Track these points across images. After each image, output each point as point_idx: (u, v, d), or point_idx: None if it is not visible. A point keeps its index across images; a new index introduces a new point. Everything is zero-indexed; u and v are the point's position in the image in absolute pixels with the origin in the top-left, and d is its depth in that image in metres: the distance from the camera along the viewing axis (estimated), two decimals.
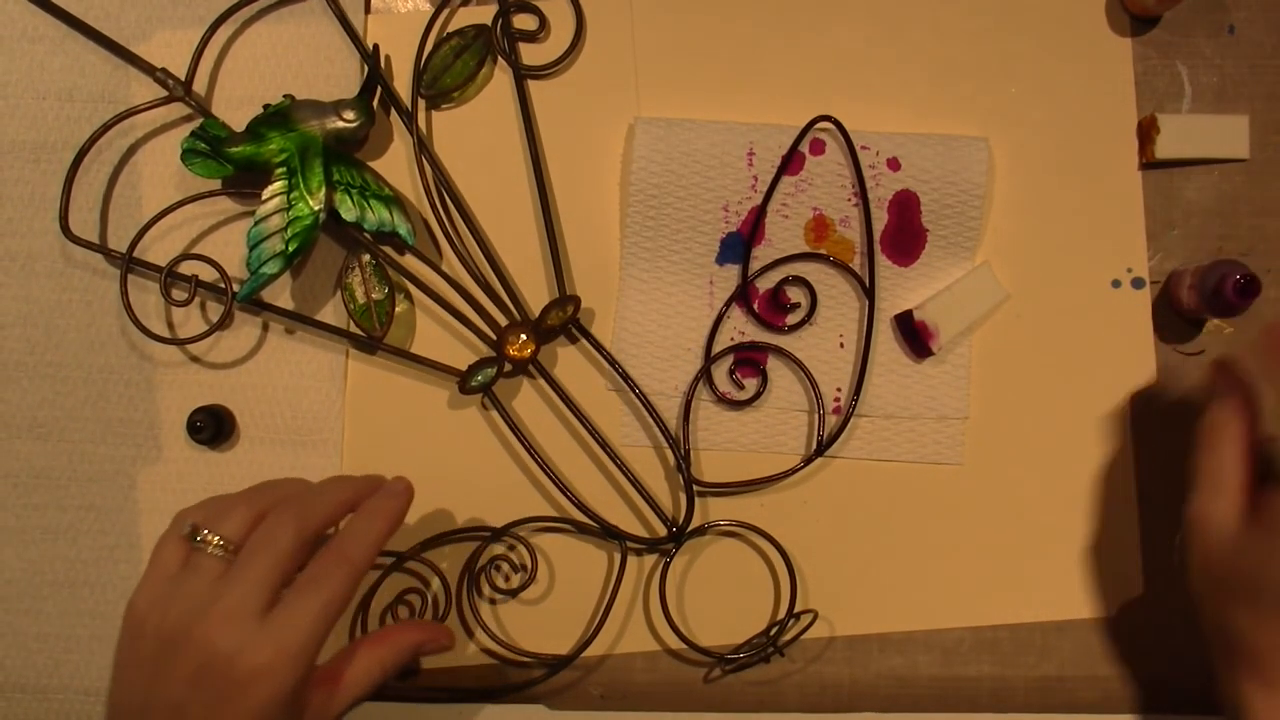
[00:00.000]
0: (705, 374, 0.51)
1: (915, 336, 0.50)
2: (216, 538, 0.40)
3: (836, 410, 0.52)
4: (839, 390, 0.52)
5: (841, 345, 0.52)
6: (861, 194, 0.51)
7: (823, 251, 0.52)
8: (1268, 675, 0.42)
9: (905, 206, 0.52)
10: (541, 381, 0.51)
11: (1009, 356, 0.52)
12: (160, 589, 0.40)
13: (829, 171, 0.51)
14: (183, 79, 0.51)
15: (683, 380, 0.52)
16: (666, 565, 0.51)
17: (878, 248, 0.52)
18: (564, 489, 0.50)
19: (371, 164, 0.52)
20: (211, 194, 0.52)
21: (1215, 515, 0.43)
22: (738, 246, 0.52)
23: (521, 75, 0.53)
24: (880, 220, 0.51)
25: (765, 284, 0.52)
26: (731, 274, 0.52)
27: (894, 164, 0.51)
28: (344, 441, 0.52)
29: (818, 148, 0.52)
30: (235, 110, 0.52)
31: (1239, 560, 0.42)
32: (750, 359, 0.52)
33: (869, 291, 0.51)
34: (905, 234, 0.52)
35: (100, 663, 0.51)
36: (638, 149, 0.51)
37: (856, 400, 0.51)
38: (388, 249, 0.52)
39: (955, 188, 0.51)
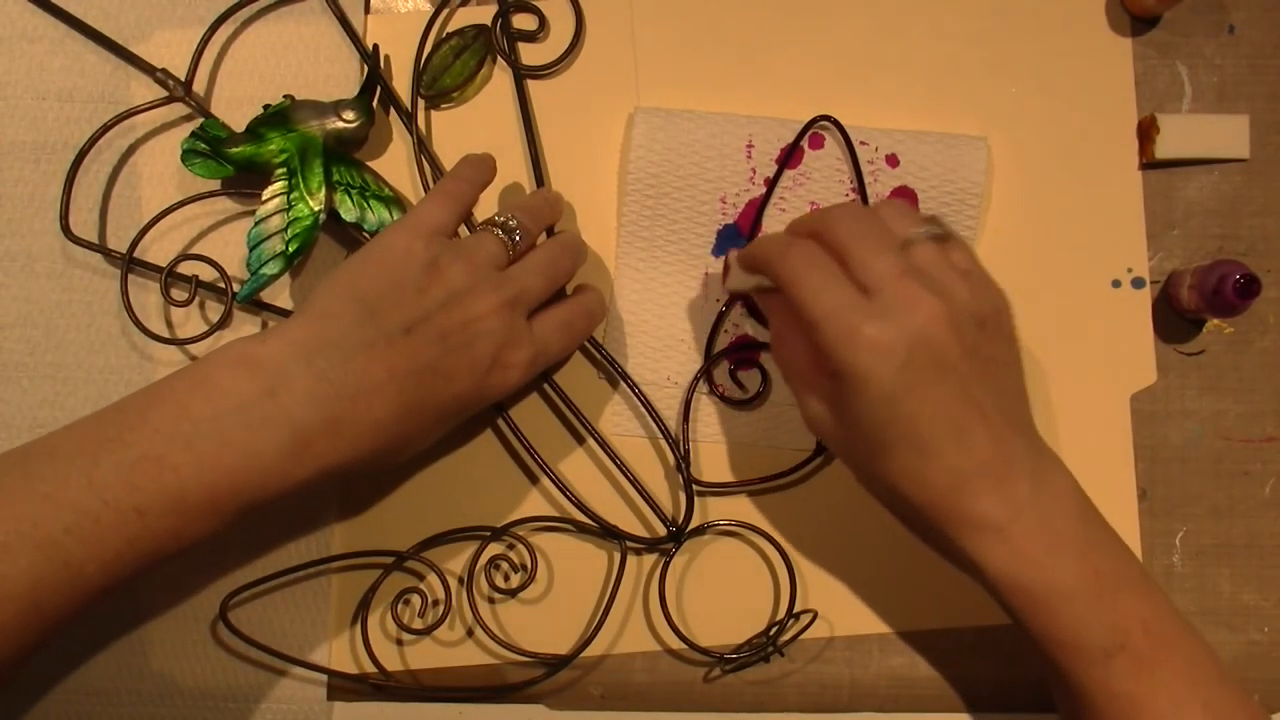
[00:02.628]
0: (705, 374, 0.51)
1: None
2: (512, 223, 0.46)
3: None
4: None
5: None
6: (861, 193, 0.51)
7: None
8: (999, 488, 0.38)
9: None
10: (541, 380, 0.51)
11: None
12: (427, 238, 0.43)
13: (827, 166, 0.51)
14: (183, 79, 0.51)
15: (675, 370, 0.52)
16: (666, 565, 0.51)
17: None
18: (563, 488, 0.50)
19: (371, 164, 0.52)
20: (211, 194, 0.52)
21: (839, 298, 0.39)
22: (734, 238, 0.52)
23: (521, 75, 0.53)
24: None
25: None
26: None
27: (892, 160, 0.51)
28: None
29: (817, 142, 0.52)
30: (235, 110, 0.52)
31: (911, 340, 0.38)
32: (748, 357, 0.52)
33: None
34: None
35: (101, 663, 0.51)
36: (636, 138, 0.51)
37: None
38: None
39: (954, 186, 0.51)
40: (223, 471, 0.38)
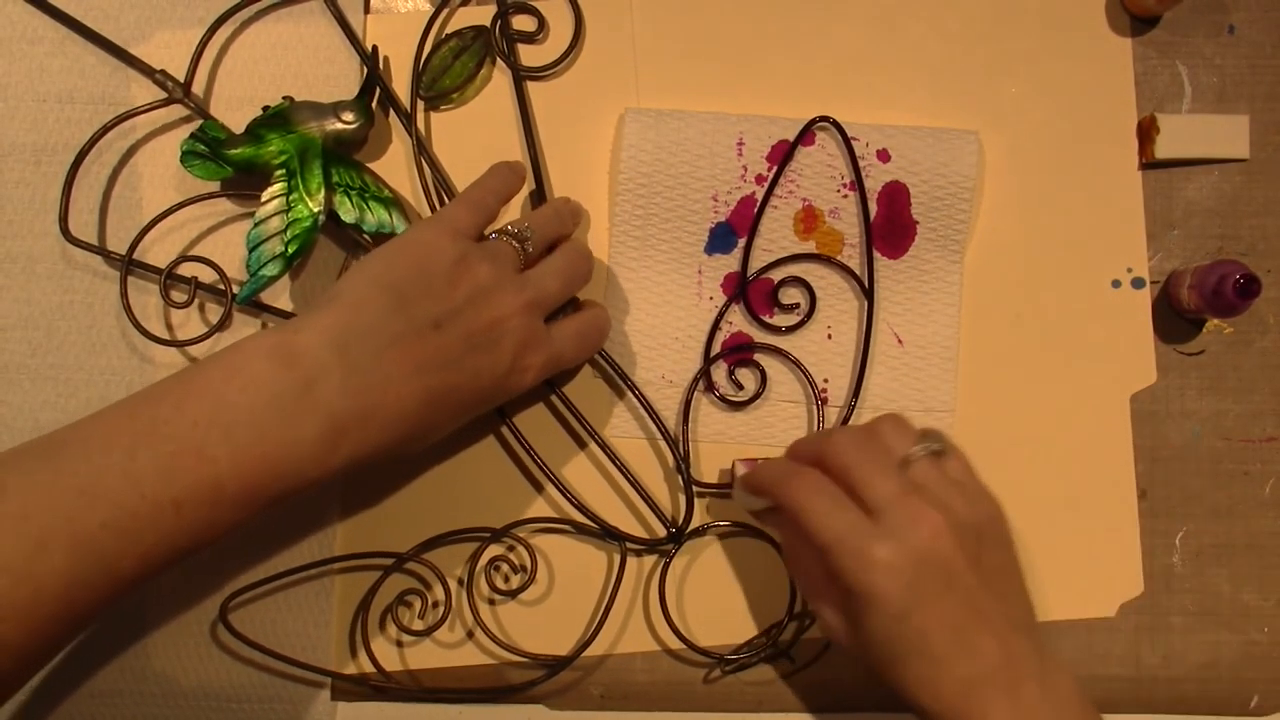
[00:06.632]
0: (705, 375, 0.51)
1: None
2: (527, 232, 0.47)
3: (824, 401, 0.52)
4: (826, 381, 0.52)
5: (829, 337, 0.52)
6: (860, 192, 0.51)
7: (812, 244, 0.52)
8: (1009, 694, 0.39)
9: (895, 199, 0.52)
10: (544, 386, 0.51)
11: (1009, 356, 0.52)
12: (454, 237, 0.44)
13: (819, 163, 0.52)
14: (182, 80, 0.51)
15: (670, 369, 0.52)
16: (666, 566, 0.51)
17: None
18: (563, 489, 0.51)
19: (371, 165, 0.52)
20: (211, 196, 0.52)
21: (846, 522, 0.40)
22: (727, 236, 0.52)
23: (520, 76, 0.53)
24: (870, 212, 0.51)
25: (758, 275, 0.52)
26: (720, 263, 0.52)
27: (884, 155, 0.51)
28: None
29: (808, 139, 0.52)
30: (234, 112, 0.52)
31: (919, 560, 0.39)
32: (746, 357, 0.52)
33: (869, 293, 0.51)
34: (895, 226, 0.52)
35: (104, 664, 0.51)
36: (627, 138, 0.51)
37: (856, 400, 0.51)
38: None
39: (945, 180, 0.51)
40: (260, 461, 0.38)
